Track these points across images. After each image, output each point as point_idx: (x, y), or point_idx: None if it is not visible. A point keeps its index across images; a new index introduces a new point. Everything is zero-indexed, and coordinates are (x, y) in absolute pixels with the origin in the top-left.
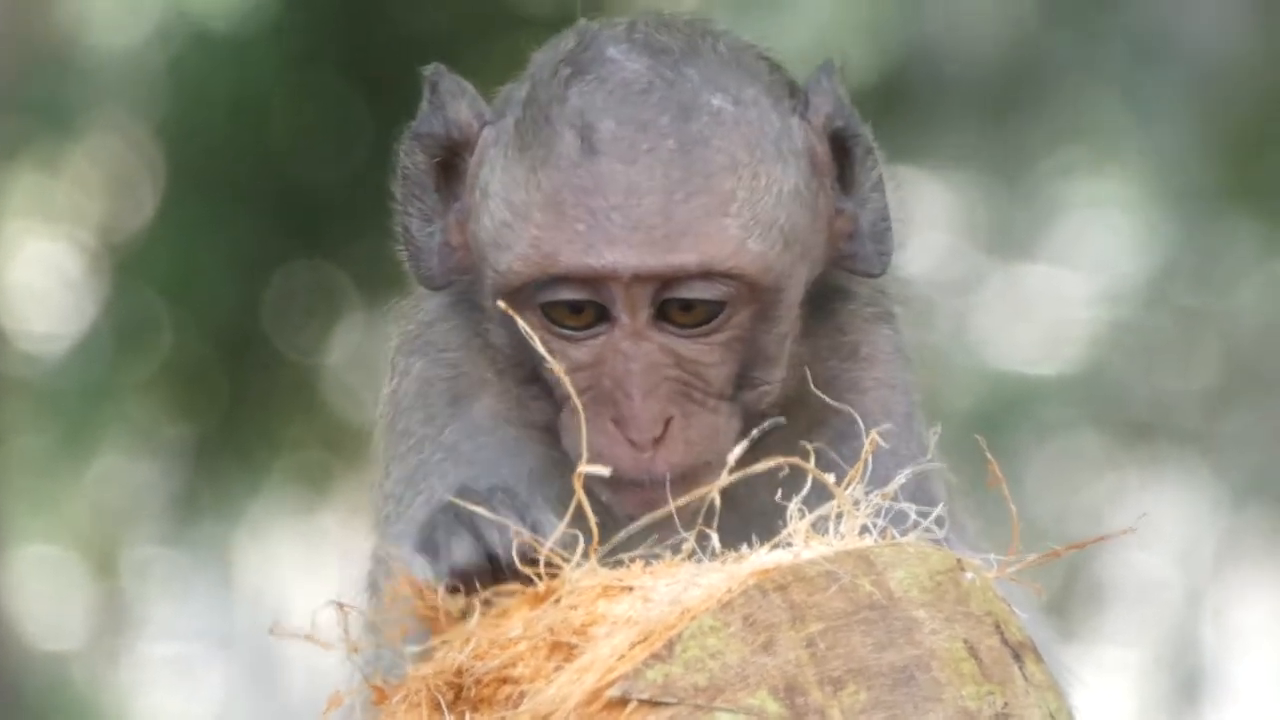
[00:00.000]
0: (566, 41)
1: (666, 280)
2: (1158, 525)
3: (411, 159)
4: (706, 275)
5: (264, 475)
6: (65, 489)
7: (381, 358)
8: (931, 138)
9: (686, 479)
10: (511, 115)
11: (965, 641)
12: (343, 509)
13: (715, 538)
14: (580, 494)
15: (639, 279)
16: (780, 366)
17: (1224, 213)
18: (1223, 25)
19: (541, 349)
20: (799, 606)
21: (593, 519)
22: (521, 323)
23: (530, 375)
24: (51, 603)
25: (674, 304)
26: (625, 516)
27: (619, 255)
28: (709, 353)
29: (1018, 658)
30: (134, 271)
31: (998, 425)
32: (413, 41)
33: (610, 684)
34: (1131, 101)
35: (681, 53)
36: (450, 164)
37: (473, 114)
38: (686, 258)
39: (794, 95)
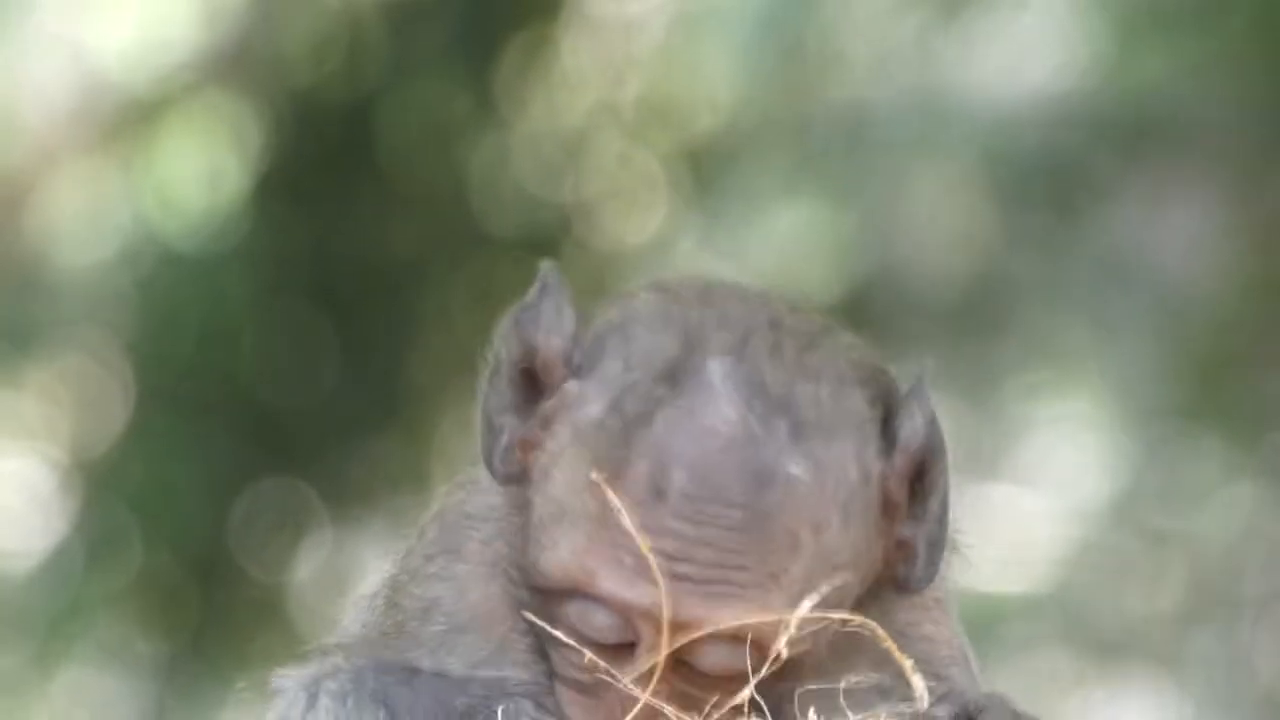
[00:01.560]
0: (671, 341)
1: (693, 634)
2: None
3: (505, 346)
4: (734, 643)
5: (231, 692)
6: (33, 706)
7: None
8: (896, 357)
9: None
10: (596, 399)
11: None
12: None
13: None
14: None
15: (672, 626)
16: (799, 685)
17: (1188, 433)
18: (1188, 247)
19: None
20: None
21: None
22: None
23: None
24: None
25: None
26: None
27: (654, 598)
28: (724, 693)
29: None
30: (104, 488)
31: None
32: (381, 263)
33: None
34: (1096, 322)
35: (778, 398)
36: (533, 373)
37: (562, 355)
38: (718, 623)
39: (888, 422)
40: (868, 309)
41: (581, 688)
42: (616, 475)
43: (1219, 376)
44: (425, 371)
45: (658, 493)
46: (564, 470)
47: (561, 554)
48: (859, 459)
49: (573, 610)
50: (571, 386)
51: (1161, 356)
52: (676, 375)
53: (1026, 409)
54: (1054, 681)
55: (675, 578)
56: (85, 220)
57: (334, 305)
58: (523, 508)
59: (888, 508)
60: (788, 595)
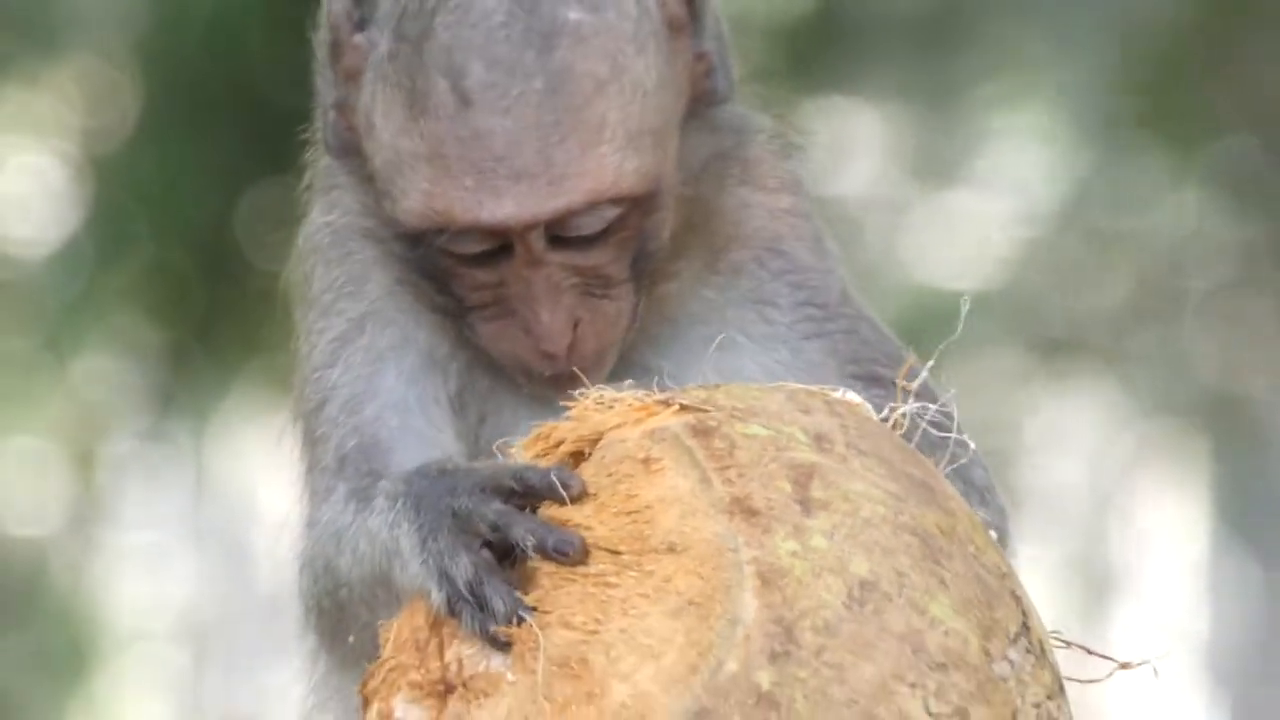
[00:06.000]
0: None
1: (556, 220)
2: (1070, 434)
3: (318, 30)
4: (593, 207)
5: (236, 376)
6: (46, 387)
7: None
8: (863, 68)
9: (600, 360)
10: (382, 36)
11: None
12: None
13: None
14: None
15: (528, 225)
16: (667, 229)
17: (1137, 141)
18: None
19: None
20: (839, 411)
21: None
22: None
23: (431, 275)
24: (30, 491)
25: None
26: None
27: (508, 209)
28: (605, 256)
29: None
30: (115, 183)
31: (921, 337)
32: None
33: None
34: (1056, 34)
35: None
36: (339, 45)
37: (344, 12)
38: (572, 198)
39: None
40: (833, 21)
41: (488, 313)
42: (424, 97)
43: (1168, 86)
44: None
45: (464, 98)
46: (381, 116)
47: (412, 201)
48: None
49: (444, 243)
50: (359, 38)
51: (1116, 67)
52: None
53: (986, 119)
54: (1003, 377)
55: (514, 176)
56: None
57: None
58: (368, 174)
59: (674, 26)
60: (615, 147)
